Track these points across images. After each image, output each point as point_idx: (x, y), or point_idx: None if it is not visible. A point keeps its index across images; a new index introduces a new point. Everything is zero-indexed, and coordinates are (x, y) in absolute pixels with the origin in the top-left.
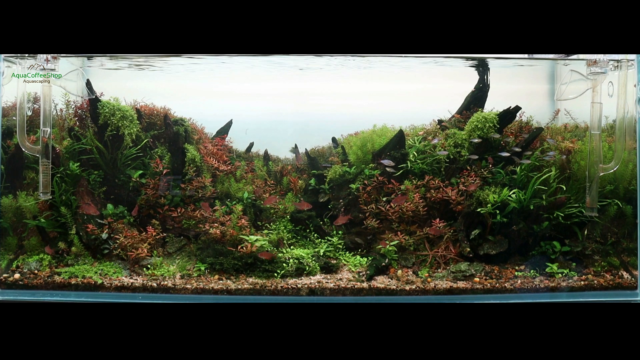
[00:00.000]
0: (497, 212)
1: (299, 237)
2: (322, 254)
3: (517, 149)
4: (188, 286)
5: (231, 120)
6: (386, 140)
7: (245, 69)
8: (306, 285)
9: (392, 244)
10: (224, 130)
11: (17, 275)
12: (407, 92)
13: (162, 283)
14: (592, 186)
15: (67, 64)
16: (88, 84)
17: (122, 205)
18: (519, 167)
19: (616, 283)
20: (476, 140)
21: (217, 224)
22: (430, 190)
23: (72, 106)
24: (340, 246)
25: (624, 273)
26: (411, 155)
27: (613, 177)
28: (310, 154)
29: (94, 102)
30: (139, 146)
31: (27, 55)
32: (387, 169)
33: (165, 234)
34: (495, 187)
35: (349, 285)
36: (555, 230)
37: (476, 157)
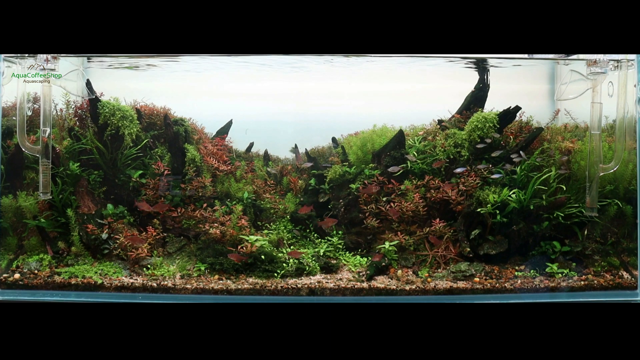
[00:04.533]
0: (497, 212)
1: (299, 237)
2: (322, 254)
3: (512, 155)
4: (188, 286)
5: (231, 120)
6: (386, 140)
7: (245, 69)
8: (306, 285)
9: (392, 244)
10: (224, 130)
11: (17, 275)
12: (407, 92)
13: (162, 283)
14: (592, 186)
15: (67, 64)
16: (88, 84)
17: (122, 205)
18: (518, 167)
19: (616, 283)
20: (480, 146)
21: (217, 224)
22: (430, 190)
23: (72, 106)
24: (340, 246)
25: (624, 273)
26: (411, 155)
27: (613, 177)
28: (310, 154)
29: (94, 102)
30: (139, 146)
31: (27, 55)
32: (389, 170)
33: (165, 234)
34: (495, 187)
35: (349, 285)
36: (555, 230)
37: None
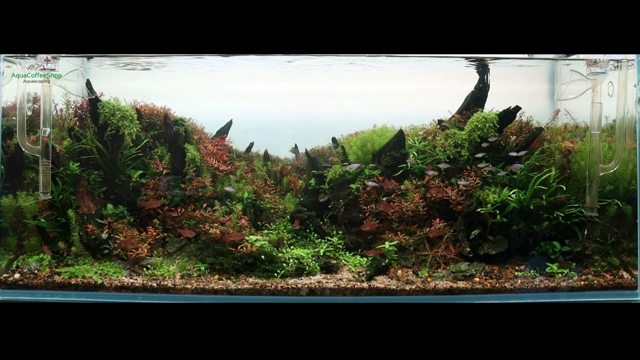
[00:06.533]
0: (497, 212)
1: (299, 237)
2: (322, 254)
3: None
4: (188, 286)
5: (231, 120)
6: (386, 140)
7: (245, 69)
8: (306, 285)
9: (392, 244)
10: (224, 130)
11: (17, 275)
12: (407, 92)
13: (162, 283)
14: (592, 186)
15: (67, 64)
16: (88, 84)
17: (122, 205)
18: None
19: (616, 283)
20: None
21: (217, 224)
22: (430, 190)
23: (72, 106)
24: (340, 246)
25: (624, 273)
26: (411, 155)
27: (613, 177)
28: (310, 154)
29: (94, 102)
30: (139, 146)
31: (27, 55)
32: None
33: (165, 234)
34: (495, 187)
35: (349, 285)
36: (555, 230)
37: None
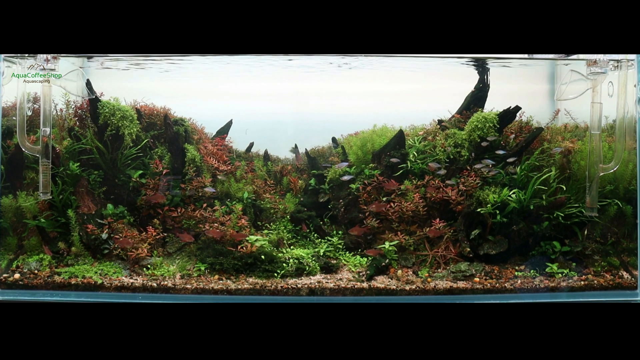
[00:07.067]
0: (497, 212)
1: (299, 237)
2: (322, 254)
3: (505, 151)
4: (188, 286)
5: (231, 120)
6: (386, 140)
7: (246, 69)
8: (306, 285)
9: (392, 244)
10: (224, 130)
11: (17, 275)
12: (407, 92)
13: (162, 283)
14: (592, 186)
15: (67, 64)
16: (88, 84)
17: (122, 205)
18: (518, 167)
19: (616, 283)
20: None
21: (217, 224)
22: (430, 189)
23: (72, 106)
24: (340, 246)
25: (624, 273)
26: (411, 155)
27: (613, 177)
28: (310, 154)
29: (94, 102)
30: (139, 146)
31: (27, 55)
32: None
33: (165, 234)
34: (495, 187)
35: (349, 285)
36: (555, 230)
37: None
